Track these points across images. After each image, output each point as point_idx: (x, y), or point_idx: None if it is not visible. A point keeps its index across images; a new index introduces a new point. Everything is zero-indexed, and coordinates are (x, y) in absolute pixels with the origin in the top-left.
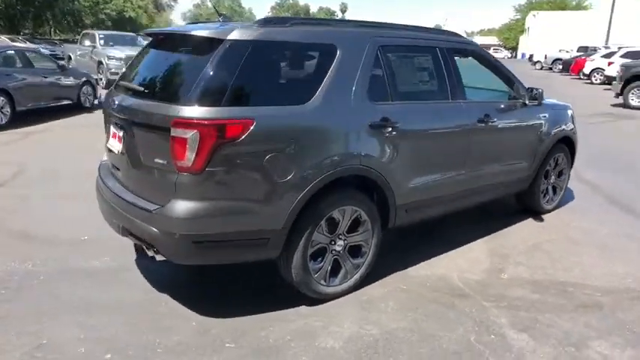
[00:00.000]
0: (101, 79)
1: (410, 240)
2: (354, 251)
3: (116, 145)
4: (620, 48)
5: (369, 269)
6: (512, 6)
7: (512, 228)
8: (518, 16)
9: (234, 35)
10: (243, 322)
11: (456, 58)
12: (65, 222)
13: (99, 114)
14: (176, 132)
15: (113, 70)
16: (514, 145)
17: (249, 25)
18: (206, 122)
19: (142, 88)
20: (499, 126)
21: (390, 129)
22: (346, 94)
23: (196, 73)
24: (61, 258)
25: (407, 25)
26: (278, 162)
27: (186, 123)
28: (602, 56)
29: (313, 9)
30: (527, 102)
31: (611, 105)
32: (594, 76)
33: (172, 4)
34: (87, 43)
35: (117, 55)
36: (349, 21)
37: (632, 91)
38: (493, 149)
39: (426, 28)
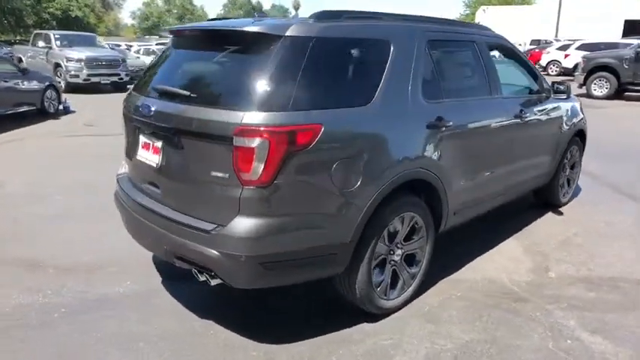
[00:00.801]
0: (59, 83)
1: (443, 242)
2: (409, 260)
3: (152, 158)
4: (574, 41)
5: (424, 278)
6: (462, 1)
7: (536, 224)
8: (468, 11)
9: (294, 31)
10: (306, 347)
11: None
12: (69, 244)
13: (66, 120)
14: (241, 141)
15: (73, 73)
16: (542, 139)
17: (304, 20)
18: (276, 129)
19: (188, 92)
20: (531, 121)
21: (443, 128)
22: (404, 93)
23: (255, 73)
24: (77, 286)
25: (446, 19)
26: (345, 169)
27: (253, 130)
28: (557, 49)
29: (266, 6)
30: (551, 95)
31: (575, 95)
32: (551, 68)
33: (121, 2)
34: (40, 44)
35: (77, 57)
36: (396, 15)
37: (595, 81)
38: (526, 144)
39: (461, 22)
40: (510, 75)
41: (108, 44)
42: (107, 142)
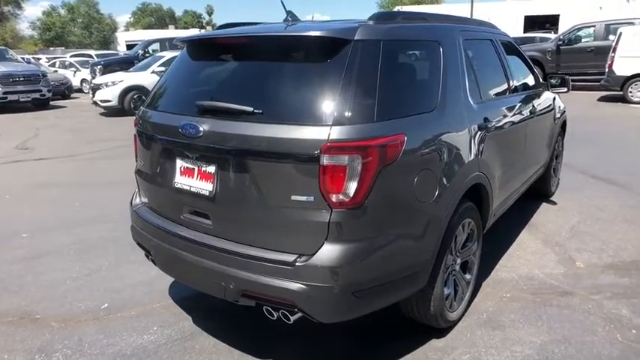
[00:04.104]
0: None
1: None
2: (464, 267)
3: (200, 185)
4: None
5: (475, 283)
6: (375, 2)
7: (538, 215)
8: None
9: (362, 34)
10: None
11: None
12: (58, 289)
13: None
14: (330, 159)
15: None
16: (545, 132)
17: (365, 23)
18: (368, 143)
19: (252, 108)
20: (539, 114)
21: (488, 129)
22: (459, 95)
23: (332, 83)
24: (97, 338)
25: (465, 17)
26: (426, 181)
27: (343, 146)
28: None
29: (178, 12)
30: (549, 89)
31: None
32: None
33: (17, 12)
34: None
35: None
36: (437, 15)
37: None
38: (536, 137)
39: (475, 19)
40: (515, 70)
41: (23, 58)
42: (52, 167)
